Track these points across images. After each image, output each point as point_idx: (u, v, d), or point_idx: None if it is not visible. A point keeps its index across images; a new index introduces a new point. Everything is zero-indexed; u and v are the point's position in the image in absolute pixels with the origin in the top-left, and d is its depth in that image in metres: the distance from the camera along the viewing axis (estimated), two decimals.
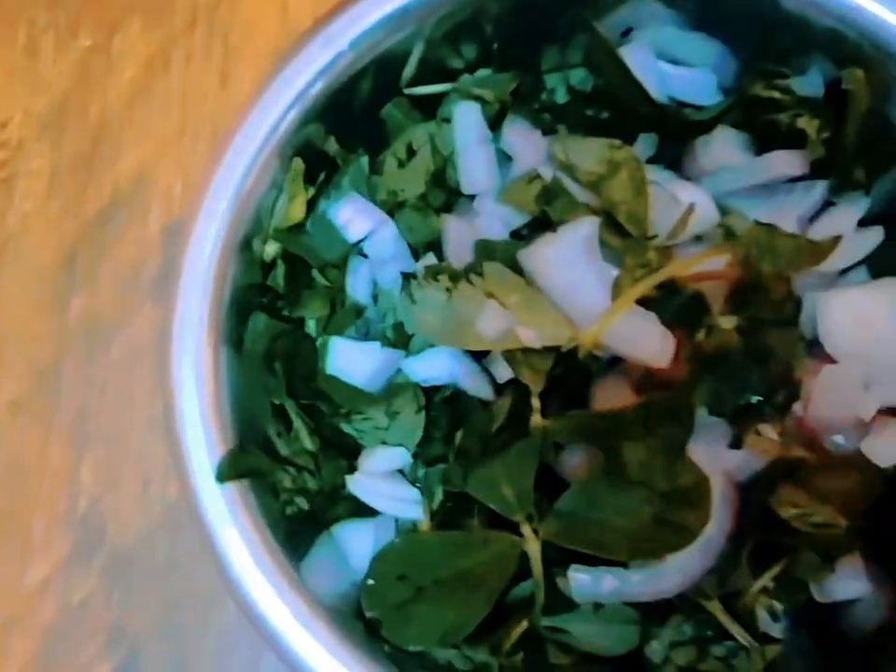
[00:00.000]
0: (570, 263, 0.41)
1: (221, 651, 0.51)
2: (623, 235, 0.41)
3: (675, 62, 0.45)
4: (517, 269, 0.42)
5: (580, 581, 0.41)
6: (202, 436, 0.42)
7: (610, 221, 0.41)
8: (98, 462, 0.53)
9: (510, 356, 0.41)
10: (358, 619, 0.42)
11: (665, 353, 0.40)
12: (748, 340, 0.40)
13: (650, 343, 0.40)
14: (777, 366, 0.40)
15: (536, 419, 0.41)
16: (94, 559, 0.52)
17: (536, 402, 0.41)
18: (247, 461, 0.42)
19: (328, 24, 0.43)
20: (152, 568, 0.51)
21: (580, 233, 0.41)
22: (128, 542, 0.52)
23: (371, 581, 0.42)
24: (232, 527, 0.41)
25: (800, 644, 0.43)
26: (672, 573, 0.41)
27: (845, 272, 0.45)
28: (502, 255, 0.43)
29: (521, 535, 0.41)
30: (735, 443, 0.40)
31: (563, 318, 0.41)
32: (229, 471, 0.41)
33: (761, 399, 0.41)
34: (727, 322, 0.40)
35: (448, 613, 0.40)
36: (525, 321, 0.41)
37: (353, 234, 0.44)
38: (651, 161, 0.46)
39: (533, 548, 0.41)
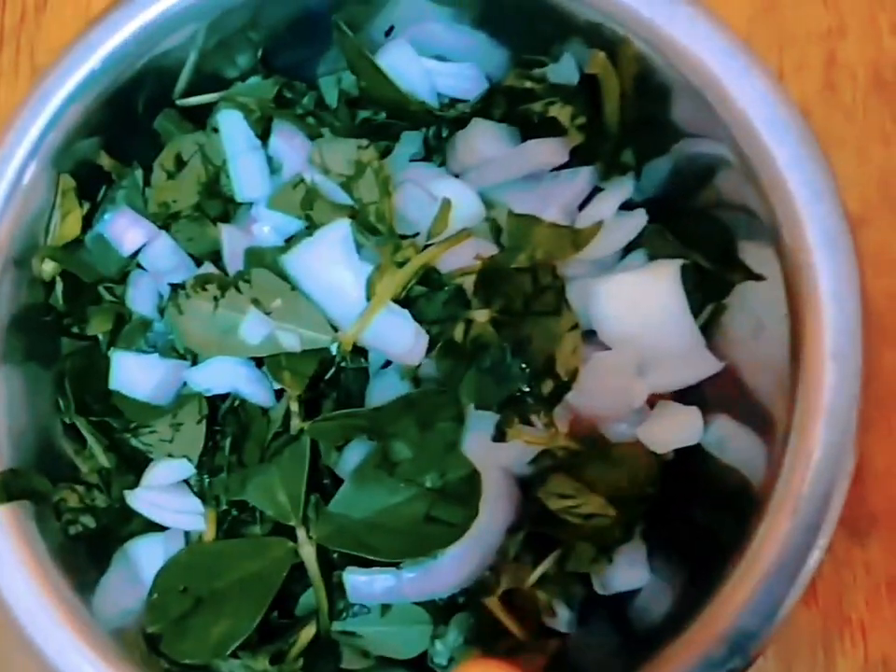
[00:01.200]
0: (328, 266, 0.41)
1: None
2: (376, 235, 0.41)
3: (442, 57, 0.45)
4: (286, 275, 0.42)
5: (355, 582, 0.41)
6: None
7: (363, 222, 0.40)
8: None
9: (273, 361, 0.41)
10: (144, 636, 0.42)
11: (418, 350, 0.39)
12: (504, 332, 0.40)
13: (404, 340, 0.39)
14: (537, 356, 0.40)
15: (296, 422, 0.41)
16: None
17: (294, 406, 0.41)
18: (21, 483, 0.42)
19: (82, 40, 0.43)
20: None
21: (334, 235, 0.41)
22: None
23: (154, 596, 0.42)
24: (2, 551, 0.40)
25: (588, 636, 0.43)
26: (447, 571, 0.40)
27: (624, 256, 0.45)
28: (271, 261, 0.43)
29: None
30: (499, 436, 0.40)
31: (323, 321, 0.41)
32: None
33: (528, 390, 0.41)
34: (480, 315, 0.40)
35: (220, 624, 0.40)
36: (287, 326, 0.41)
37: (126, 248, 0.44)
38: (424, 158, 0.46)
39: (307, 552, 0.41)
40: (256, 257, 0.43)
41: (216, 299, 0.42)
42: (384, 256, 0.40)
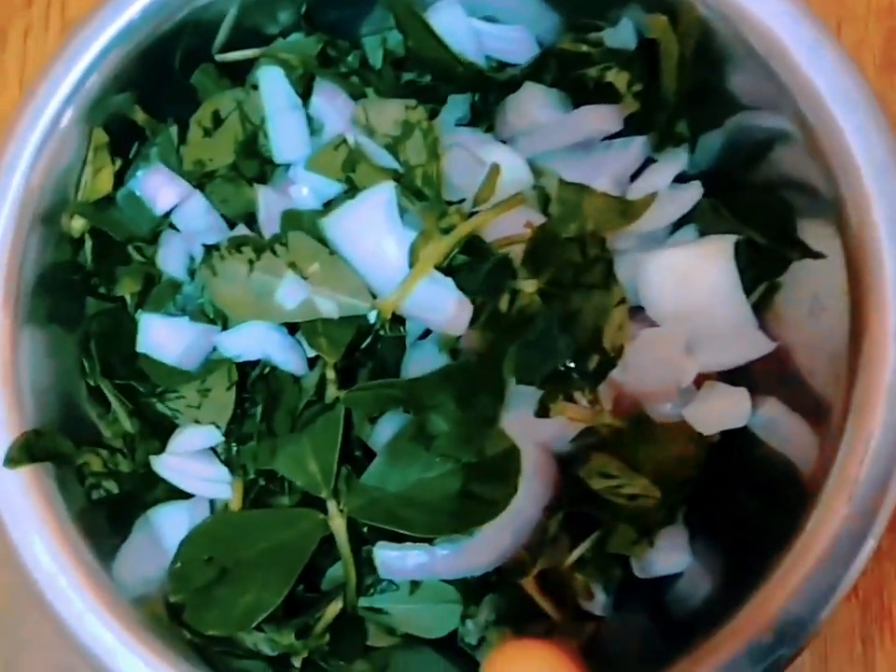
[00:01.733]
0: (370, 230, 0.39)
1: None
2: (422, 199, 0.39)
3: (493, 19, 0.44)
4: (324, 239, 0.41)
5: (386, 557, 0.39)
6: None
7: (409, 185, 0.39)
8: None
9: (309, 327, 0.40)
10: (166, 605, 0.41)
11: (461, 320, 0.38)
12: (551, 304, 0.38)
13: (446, 309, 0.38)
14: (584, 331, 0.38)
15: (331, 391, 0.39)
16: None
17: (331, 374, 0.39)
18: (45, 445, 0.40)
19: None
20: None
21: (378, 199, 0.39)
22: None
23: (178, 564, 0.41)
24: (24, 513, 0.39)
25: (624, 621, 0.41)
26: (482, 548, 0.39)
27: (674, 231, 0.43)
28: (309, 224, 0.41)
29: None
30: (542, 412, 0.38)
31: (362, 287, 0.39)
32: (20, 456, 0.39)
33: (572, 366, 0.39)
34: (528, 286, 0.38)
35: (246, 595, 0.39)
36: (325, 291, 0.39)
37: (159, 207, 0.43)
38: (470, 123, 0.44)
39: (338, 524, 0.39)
40: (293, 219, 0.41)
41: (251, 262, 0.40)
42: (428, 221, 0.38)
